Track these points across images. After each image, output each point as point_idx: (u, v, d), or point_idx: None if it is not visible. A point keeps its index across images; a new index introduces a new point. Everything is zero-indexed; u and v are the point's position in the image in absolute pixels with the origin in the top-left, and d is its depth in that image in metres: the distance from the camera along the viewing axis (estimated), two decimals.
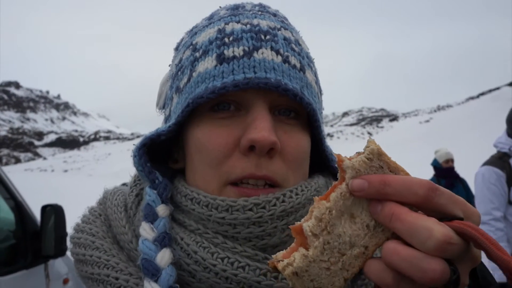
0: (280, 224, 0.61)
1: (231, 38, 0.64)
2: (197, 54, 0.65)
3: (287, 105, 0.66)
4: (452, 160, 6.18)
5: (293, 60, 0.66)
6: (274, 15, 0.72)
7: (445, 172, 6.08)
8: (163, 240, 0.60)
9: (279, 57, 0.64)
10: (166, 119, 0.70)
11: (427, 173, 6.59)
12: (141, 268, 0.59)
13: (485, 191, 3.31)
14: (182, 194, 0.65)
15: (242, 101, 0.64)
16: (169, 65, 0.75)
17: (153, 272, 0.57)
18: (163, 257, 0.58)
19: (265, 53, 0.63)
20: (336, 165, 0.52)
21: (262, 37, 0.65)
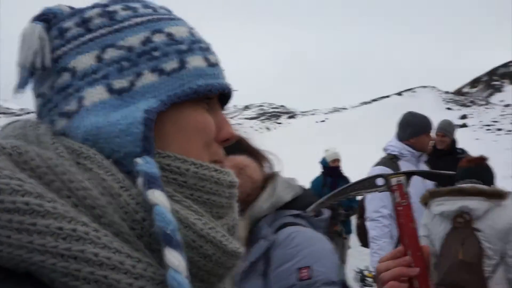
0: (235, 192, 0.71)
1: (205, 45, 0.71)
2: (182, 47, 0.68)
3: None
4: (338, 160, 6.65)
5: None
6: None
7: (331, 171, 6.53)
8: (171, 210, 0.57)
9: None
10: (119, 90, 0.63)
11: (319, 171, 6.98)
12: (171, 239, 0.54)
13: None
14: (171, 158, 0.64)
15: (211, 102, 0.71)
16: (46, 21, 0.67)
17: (177, 243, 0.54)
18: (179, 226, 0.57)
19: (221, 64, 0.73)
20: None
21: (212, 48, 0.73)
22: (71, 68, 0.64)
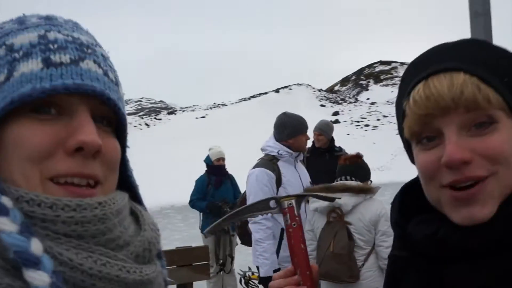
0: (115, 221, 0.65)
1: (55, 46, 0.65)
2: (17, 55, 0.64)
3: (104, 113, 0.69)
4: (223, 159, 6.53)
5: (111, 75, 0.70)
6: (87, 32, 0.74)
7: (215, 170, 6.39)
8: (28, 229, 0.57)
9: (101, 70, 0.68)
10: None
11: (201, 168, 6.78)
12: (19, 261, 0.55)
13: (259, 191, 3.46)
14: (13, 197, 0.59)
15: (65, 106, 0.64)
16: None
17: (35, 261, 0.55)
18: (37, 245, 0.56)
19: (90, 64, 0.66)
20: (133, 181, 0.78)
21: (85, 49, 0.68)
22: None
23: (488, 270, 0.71)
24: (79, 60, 0.66)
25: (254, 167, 3.73)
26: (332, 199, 1.56)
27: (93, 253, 0.61)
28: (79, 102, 0.65)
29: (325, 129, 5.73)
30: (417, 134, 0.77)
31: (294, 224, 1.10)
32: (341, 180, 3.42)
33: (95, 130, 0.65)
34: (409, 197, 0.87)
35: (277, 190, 3.57)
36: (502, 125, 0.72)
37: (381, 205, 3.31)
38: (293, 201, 1.12)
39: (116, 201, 0.67)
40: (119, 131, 0.74)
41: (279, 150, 3.70)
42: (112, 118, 0.71)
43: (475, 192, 0.71)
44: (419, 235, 0.78)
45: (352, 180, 3.37)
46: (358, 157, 3.58)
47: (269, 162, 3.69)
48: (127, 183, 0.79)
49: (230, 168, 6.84)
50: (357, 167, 3.48)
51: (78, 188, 0.64)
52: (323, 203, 3.23)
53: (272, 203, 1.15)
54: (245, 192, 3.98)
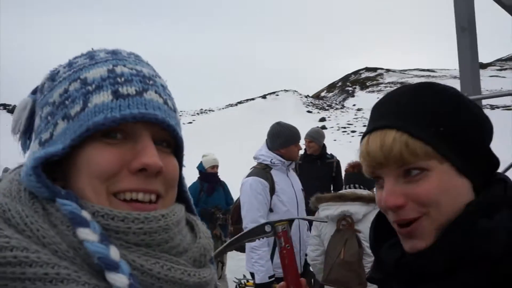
0: (176, 230, 0.74)
1: (122, 79, 0.74)
2: (90, 88, 0.73)
3: (164, 137, 0.78)
4: (217, 167, 6.59)
5: (170, 103, 0.79)
6: (147, 64, 0.83)
7: (208, 177, 6.41)
8: (106, 239, 0.66)
9: (161, 99, 0.76)
10: (43, 142, 0.73)
11: (192, 174, 6.06)
12: (102, 265, 0.63)
13: (253, 200, 3.55)
14: (90, 211, 0.69)
15: (131, 131, 0.73)
16: (35, 93, 0.80)
17: (115, 266, 0.63)
18: (115, 252, 0.65)
19: (152, 95, 0.75)
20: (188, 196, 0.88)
21: (147, 81, 0.76)
22: (35, 130, 0.77)
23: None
24: (143, 92, 0.75)
25: (247, 176, 3.78)
26: (323, 221, 1.65)
27: (160, 259, 0.70)
28: (143, 128, 0.74)
29: (316, 136, 5.87)
30: (370, 175, 0.93)
31: (288, 246, 1.22)
32: (349, 187, 3.47)
33: (157, 153, 0.74)
34: (381, 222, 0.98)
35: (271, 198, 3.64)
36: (433, 172, 0.84)
37: None
38: (286, 225, 1.25)
39: (176, 213, 0.76)
40: (177, 151, 0.83)
41: (272, 159, 3.76)
42: (171, 141, 0.80)
43: (412, 230, 0.85)
44: (390, 260, 0.90)
45: (360, 188, 3.44)
46: None
47: (262, 170, 3.75)
48: (182, 197, 0.88)
49: (220, 172, 6.86)
50: (364, 175, 3.52)
51: (141, 204, 0.73)
52: (334, 211, 3.28)
53: (267, 228, 1.28)
54: (238, 199, 4.02)
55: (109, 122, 0.70)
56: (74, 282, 0.61)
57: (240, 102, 69.77)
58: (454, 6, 2.74)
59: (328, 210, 3.33)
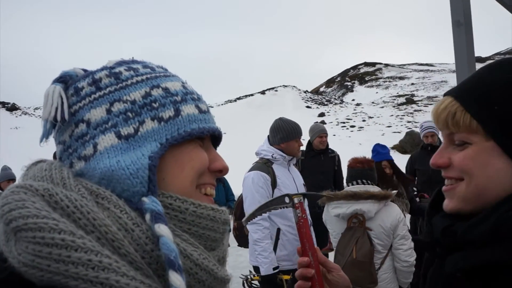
0: (221, 228, 0.83)
1: (195, 96, 0.87)
2: (177, 98, 0.83)
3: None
4: None
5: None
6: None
7: None
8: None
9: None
10: (127, 136, 0.78)
11: None
12: (170, 265, 0.67)
13: (255, 193, 3.63)
14: (165, 195, 0.77)
15: (205, 141, 0.87)
16: (62, 83, 0.83)
17: (179, 268, 0.67)
18: (179, 256, 0.70)
19: (210, 111, 0.89)
20: None
21: (202, 99, 0.89)
22: (86, 120, 0.80)
23: (471, 257, 0.87)
24: (208, 108, 0.89)
25: (249, 170, 3.84)
26: (321, 197, 1.72)
27: (198, 248, 0.77)
28: (209, 138, 0.89)
29: (326, 131, 6.11)
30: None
31: (304, 216, 1.34)
32: (357, 183, 3.46)
33: None
34: (440, 193, 1.04)
35: (273, 192, 3.69)
36: (475, 146, 0.90)
37: (398, 210, 3.39)
38: (301, 198, 1.37)
39: (225, 213, 0.85)
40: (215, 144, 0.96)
41: (273, 154, 3.83)
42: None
43: (449, 189, 0.96)
44: (439, 226, 0.97)
45: (368, 183, 3.43)
46: (371, 161, 3.62)
47: (264, 165, 3.80)
48: None
49: None
50: (371, 171, 3.54)
51: (211, 198, 0.86)
52: (346, 210, 3.27)
53: (286, 199, 1.38)
54: (241, 195, 4.06)
55: (206, 131, 0.84)
56: (114, 272, 0.63)
57: (239, 98, 69.75)
58: (449, 0, 2.76)
59: (340, 208, 3.31)
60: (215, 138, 0.92)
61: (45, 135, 0.82)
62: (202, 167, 0.83)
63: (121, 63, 0.87)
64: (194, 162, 0.82)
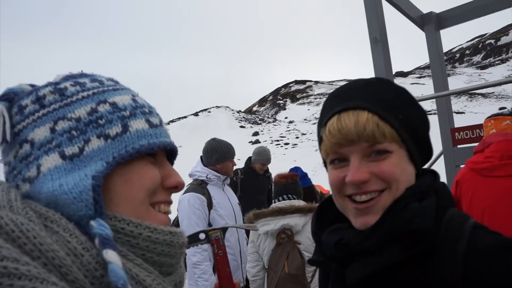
0: (178, 252, 0.80)
1: (146, 110, 0.83)
2: (124, 113, 0.79)
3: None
4: None
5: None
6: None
7: None
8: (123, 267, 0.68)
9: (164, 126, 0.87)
10: (71, 156, 0.74)
11: None
12: None
13: (192, 215, 3.57)
14: (108, 216, 0.73)
15: (156, 155, 0.83)
16: (4, 101, 0.79)
17: None
18: (131, 282, 0.69)
19: (164, 125, 0.86)
20: None
21: (155, 112, 0.86)
22: (30, 140, 0.75)
23: (371, 264, 0.92)
24: (161, 122, 0.86)
25: (184, 193, 3.79)
26: (256, 229, 1.72)
27: (151, 273, 0.73)
28: (163, 152, 0.87)
29: (270, 161, 6.13)
30: (330, 156, 0.99)
31: (221, 253, 1.32)
32: (282, 199, 3.51)
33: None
34: (324, 211, 1.09)
35: (209, 213, 3.69)
36: (394, 154, 0.94)
37: None
38: (219, 233, 1.36)
39: (183, 236, 0.83)
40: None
41: (207, 175, 3.83)
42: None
43: (370, 205, 0.94)
44: (330, 242, 1.00)
45: (293, 197, 3.48)
46: (295, 175, 3.67)
47: (199, 186, 3.78)
48: None
49: None
50: (296, 185, 3.60)
51: (167, 216, 0.83)
52: (275, 226, 3.30)
53: (201, 236, 1.36)
54: (176, 217, 3.99)
55: (155, 147, 0.80)
56: None
57: (172, 121, 68.93)
58: (366, 18, 2.89)
59: (268, 225, 3.35)
60: (171, 153, 0.90)
61: None
62: (153, 185, 0.80)
63: (67, 77, 0.83)
64: (144, 181, 0.78)
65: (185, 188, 3.85)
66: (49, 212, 0.69)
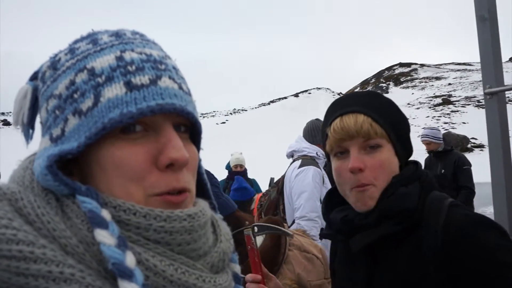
0: (201, 232, 0.70)
1: (133, 67, 0.68)
2: (99, 80, 0.67)
3: (181, 122, 0.73)
4: (240, 166, 6.91)
5: (184, 87, 0.73)
6: (154, 43, 0.76)
7: (234, 175, 6.60)
8: (124, 243, 0.62)
9: (176, 85, 0.70)
10: (55, 138, 0.69)
11: (224, 173, 7.14)
12: (115, 272, 0.60)
13: (314, 189, 3.53)
14: (112, 205, 0.66)
15: (150, 123, 0.68)
16: (34, 79, 0.76)
17: (129, 274, 0.60)
18: (131, 259, 0.62)
19: (166, 82, 0.69)
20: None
21: (159, 66, 0.70)
22: (41, 122, 0.73)
23: (370, 235, 1.18)
24: (156, 79, 0.68)
25: (301, 166, 3.73)
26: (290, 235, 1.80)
27: (175, 261, 0.66)
28: (163, 118, 0.69)
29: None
30: (334, 149, 1.26)
31: (249, 247, 1.52)
32: None
33: (182, 144, 0.69)
34: (331, 196, 1.37)
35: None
36: (384, 148, 1.22)
37: None
38: (249, 231, 1.54)
39: (205, 213, 0.72)
40: (194, 134, 0.79)
41: (317, 152, 3.79)
42: (188, 124, 0.75)
43: (365, 188, 1.20)
44: (337, 218, 1.27)
45: None
46: None
47: (314, 161, 3.75)
48: (199, 181, 0.82)
49: (252, 171, 6.96)
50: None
51: (172, 196, 0.69)
52: None
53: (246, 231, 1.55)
54: (271, 192, 4.03)
55: (126, 118, 0.65)
56: (77, 283, 0.59)
57: (272, 101, 69.85)
58: None
59: None
60: (192, 124, 0.75)
61: (26, 139, 0.77)
62: (133, 171, 0.67)
63: (71, 43, 0.74)
64: (118, 166, 0.67)
65: (300, 161, 3.81)
66: (64, 197, 0.66)
